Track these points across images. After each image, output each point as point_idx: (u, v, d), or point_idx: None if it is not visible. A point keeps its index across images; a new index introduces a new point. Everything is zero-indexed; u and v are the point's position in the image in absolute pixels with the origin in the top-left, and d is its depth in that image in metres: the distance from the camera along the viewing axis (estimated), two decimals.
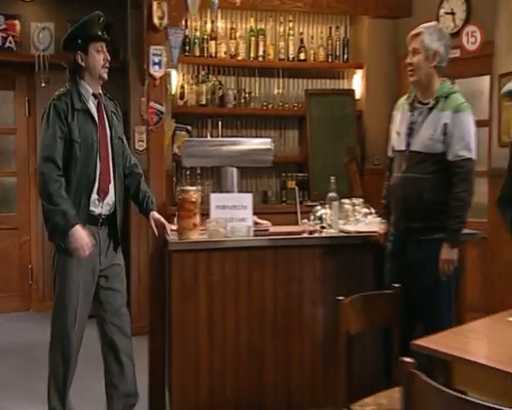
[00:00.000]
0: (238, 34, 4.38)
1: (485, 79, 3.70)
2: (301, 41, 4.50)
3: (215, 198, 2.59)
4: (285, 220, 2.97)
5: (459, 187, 2.22)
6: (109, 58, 2.25)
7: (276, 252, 2.58)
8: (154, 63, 2.50)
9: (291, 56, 4.45)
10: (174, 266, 2.44)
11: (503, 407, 1.00)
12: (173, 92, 4.20)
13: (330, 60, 4.55)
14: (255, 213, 3.88)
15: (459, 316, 2.51)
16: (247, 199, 2.61)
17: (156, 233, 2.37)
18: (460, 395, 1.06)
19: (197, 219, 2.51)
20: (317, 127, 4.48)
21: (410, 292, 2.15)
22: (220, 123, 4.45)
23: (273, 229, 2.76)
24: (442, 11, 4.12)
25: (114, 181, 2.25)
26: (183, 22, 4.27)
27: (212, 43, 4.31)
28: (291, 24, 4.48)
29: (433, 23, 2.37)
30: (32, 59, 4.35)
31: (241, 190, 4.43)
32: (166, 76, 4.00)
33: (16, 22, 4.42)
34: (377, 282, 2.52)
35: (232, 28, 4.40)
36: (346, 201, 2.88)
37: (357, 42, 4.62)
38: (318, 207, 2.90)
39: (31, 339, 3.88)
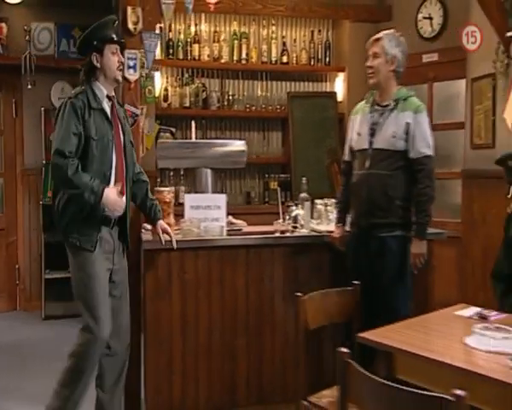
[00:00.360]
0: (221, 37, 4.46)
1: (462, 83, 3.78)
2: (284, 44, 4.58)
3: (189, 199, 2.65)
4: (268, 221, 3.03)
5: (423, 183, 2.32)
6: (123, 60, 2.32)
7: (249, 251, 2.65)
8: (129, 67, 2.57)
9: (274, 59, 4.53)
10: (148, 264, 2.51)
11: (415, 390, 1.07)
12: (157, 95, 4.29)
13: (312, 63, 4.62)
14: (237, 214, 3.95)
15: (430, 312, 2.58)
16: (221, 200, 2.68)
17: (163, 242, 2.44)
18: (384, 381, 1.13)
19: (171, 218, 2.59)
20: (299, 129, 4.56)
21: (371, 288, 2.23)
22: (204, 125, 4.53)
23: (247, 229, 2.83)
24: (420, 16, 4.21)
25: (126, 183, 2.31)
26: (168, 26, 4.37)
27: (196, 46, 4.38)
28: (274, 27, 4.56)
29: (392, 31, 2.48)
30: (19, 61, 4.41)
31: (222, 191, 4.57)
32: (149, 78, 4.11)
33: (3, 25, 4.48)
34: (348, 279, 2.59)
35: (215, 32, 4.47)
36: (319, 201, 2.96)
37: (339, 45, 4.70)
38: (293, 208, 2.97)
39: (18, 338, 3.94)
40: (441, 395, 1.05)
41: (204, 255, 2.57)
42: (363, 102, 2.54)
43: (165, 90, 4.40)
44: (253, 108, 4.56)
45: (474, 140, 3.43)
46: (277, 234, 2.73)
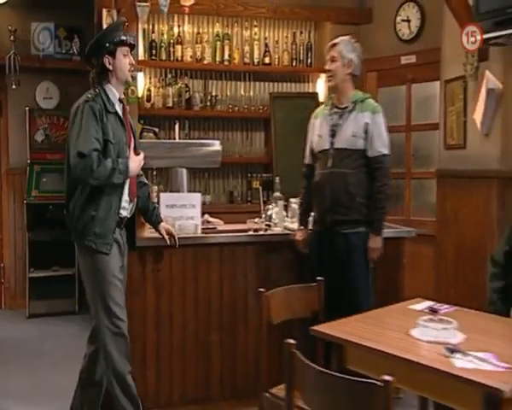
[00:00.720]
0: (204, 39, 4.51)
1: (438, 84, 3.85)
2: (266, 46, 4.64)
3: (164, 198, 2.71)
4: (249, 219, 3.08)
5: (381, 181, 2.42)
6: (134, 62, 2.35)
7: (222, 249, 2.71)
8: None
9: (256, 60, 4.59)
10: None
11: (348, 377, 1.13)
12: (140, 95, 4.33)
13: (294, 64, 4.69)
14: (220, 213, 4.01)
15: None
16: (196, 198, 2.73)
17: (168, 242, 2.50)
18: (322, 369, 1.20)
19: None
20: (281, 129, 4.62)
21: (335, 284, 2.30)
22: (187, 125, 4.59)
23: (222, 227, 2.89)
24: (399, 18, 4.29)
25: (137, 184, 2.36)
26: (151, 27, 4.43)
27: (179, 47, 4.44)
28: (256, 29, 4.62)
29: (348, 37, 2.60)
30: (3, 61, 4.44)
31: (205, 191, 4.62)
32: (133, 79, 4.14)
33: None
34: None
35: (198, 33, 4.53)
36: (293, 200, 3.02)
37: (321, 47, 4.76)
38: (270, 207, 3.04)
39: (2, 336, 3.97)
40: (371, 381, 1.11)
41: (178, 253, 2.63)
42: (323, 106, 2.64)
43: (148, 90, 4.45)
44: (236, 108, 4.62)
45: (448, 140, 3.50)
46: (251, 232, 2.79)
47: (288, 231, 2.82)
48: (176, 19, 4.49)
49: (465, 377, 1.22)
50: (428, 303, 1.81)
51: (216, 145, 2.93)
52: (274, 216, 2.90)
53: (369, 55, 4.53)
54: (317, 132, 2.57)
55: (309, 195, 2.61)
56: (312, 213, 2.64)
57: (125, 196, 2.27)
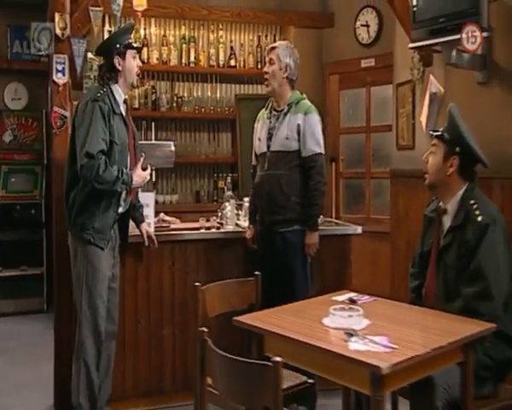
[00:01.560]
0: (170, 41, 4.60)
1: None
2: (231, 48, 4.74)
3: None
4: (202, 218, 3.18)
5: (315, 179, 2.52)
6: (141, 65, 2.44)
7: (174, 247, 2.80)
8: (58, 71, 2.70)
9: (221, 63, 4.69)
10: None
11: (246, 360, 1.24)
12: None
13: (260, 66, 4.79)
14: (187, 212, 4.09)
15: None
16: (150, 198, 2.82)
17: (146, 243, 2.60)
18: (226, 354, 1.31)
19: None
20: (246, 130, 4.71)
21: (275, 279, 2.41)
22: (154, 126, 4.67)
23: (175, 226, 2.98)
24: (358, 23, 4.43)
25: None
26: (117, 28, 4.49)
27: (145, 49, 4.51)
28: (221, 32, 4.72)
29: (287, 42, 2.72)
30: None
31: (172, 191, 4.70)
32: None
33: None
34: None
35: (164, 35, 4.61)
36: (246, 199, 3.12)
37: None
38: (226, 205, 3.14)
39: None
40: (262, 362, 1.22)
41: (131, 251, 2.71)
42: (264, 109, 2.74)
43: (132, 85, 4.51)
44: (203, 109, 4.71)
45: (399, 141, 3.65)
46: (202, 230, 2.89)
47: (240, 229, 2.92)
48: (142, 21, 4.56)
49: (354, 357, 1.33)
50: (350, 294, 1.93)
51: (170, 146, 3.02)
52: (227, 214, 3.00)
53: (331, 58, 4.68)
54: (258, 136, 2.68)
55: None
56: None
57: (123, 195, 2.37)
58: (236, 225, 3.00)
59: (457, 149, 1.96)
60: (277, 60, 2.56)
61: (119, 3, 2.80)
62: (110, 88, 2.33)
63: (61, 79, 2.72)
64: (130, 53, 2.36)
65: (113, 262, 2.43)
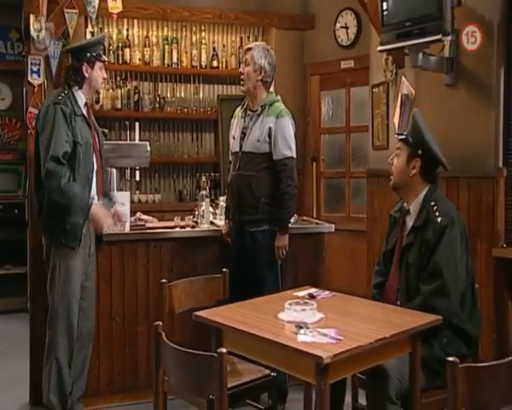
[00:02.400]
0: (152, 42, 4.64)
1: None
2: (214, 49, 4.79)
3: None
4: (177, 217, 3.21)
5: (285, 182, 2.57)
6: (106, 77, 2.57)
7: (149, 245, 2.85)
8: (33, 72, 2.74)
9: (204, 64, 4.74)
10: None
11: (192, 351, 1.30)
12: None
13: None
14: (169, 211, 4.12)
15: None
16: (125, 197, 2.87)
17: (114, 223, 2.63)
18: (175, 346, 1.36)
19: None
20: (229, 130, 4.77)
21: (245, 276, 2.46)
22: (138, 126, 4.71)
23: (151, 224, 3.03)
24: (338, 25, 4.49)
25: (102, 181, 2.51)
26: (99, 30, 4.53)
27: (127, 50, 4.55)
28: (203, 33, 4.77)
29: (263, 43, 2.73)
30: None
31: (156, 190, 4.74)
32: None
33: None
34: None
35: (147, 36, 4.65)
36: (221, 198, 3.18)
37: None
38: (202, 203, 3.19)
39: None
40: (208, 354, 1.28)
41: (105, 249, 2.76)
42: (240, 107, 2.77)
43: (97, 92, 4.55)
44: (186, 109, 4.76)
45: (375, 142, 3.71)
46: (177, 229, 2.94)
47: (214, 228, 2.98)
48: (125, 22, 4.61)
49: (300, 348, 1.39)
50: (311, 290, 1.99)
51: (145, 146, 3.07)
52: (201, 213, 3.06)
53: (312, 59, 4.75)
54: (232, 133, 2.73)
55: None
56: None
57: (93, 193, 2.42)
58: (212, 223, 3.06)
59: (419, 151, 2.04)
60: (252, 61, 2.58)
61: (94, 6, 2.85)
62: (72, 92, 2.41)
63: (36, 79, 2.76)
64: (98, 64, 2.46)
65: (86, 260, 2.47)
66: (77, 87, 2.41)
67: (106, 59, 2.52)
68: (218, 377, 1.25)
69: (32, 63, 2.74)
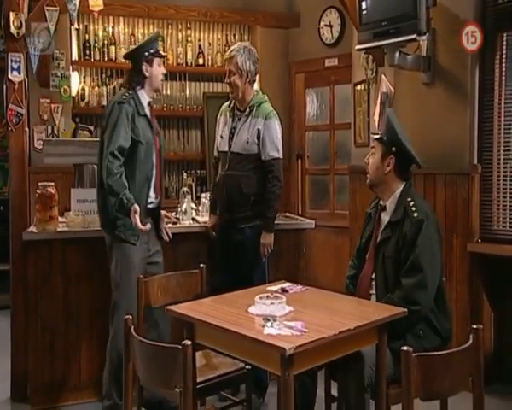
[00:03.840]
0: (138, 40, 4.64)
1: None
2: (199, 47, 4.81)
3: (75, 193, 2.86)
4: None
5: (272, 182, 2.61)
6: (165, 72, 2.58)
7: None
8: (13, 69, 2.75)
9: (190, 61, 4.76)
10: (29, 255, 2.71)
11: (158, 343, 1.33)
12: (74, 94, 4.45)
13: None
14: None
15: None
16: None
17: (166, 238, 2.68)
18: (141, 339, 1.39)
19: (54, 212, 2.78)
20: (214, 128, 4.79)
21: (232, 269, 2.54)
22: None
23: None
24: (322, 23, 4.53)
25: (161, 180, 2.59)
26: (84, 28, 4.53)
27: (113, 47, 4.56)
28: (189, 31, 4.78)
29: (243, 45, 2.72)
30: None
31: None
32: (65, 78, 4.25)
33: None
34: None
35: (132, 34, 4.66)
36: (203, 195, 3.21)
37: None
38: (184, 200, 3.21)
39: None
40: (173, 346, 1.31)
41: (87, 245, 2.78)
42: (227, 104, 2.79)
43: (83, 89, 4.56)
44: (172, 107, 4.78)
45: (357, 139, 3.76)
46: None
47: (196, 224, 3.00)
48: (110, 20, 4.61)
49: (264, 340, 1.43)
50: (284, 284, 2.03)
51: None
52: (183, 210, 3.08)
53: (297, 57, 4.78)
54: (220, 132, 2.75)
55: None
56: None
57: (152, 192, 2.50)
58: (194, 220, 3.09)
59: (393, 149, 2.08)
60: (237, 70, 2.59)
61: (75, 3, 2.86)
62: (136, 92, 2.48)
63: (16, 77, 2.77)
64: (157, 61, 2.51)
65: (148, 254, 2.53)
66: (139, 87, 2.47)
67: (164, 54, 2.55)
68: (183, 369, 1.28)
69: (12, 60, 2.74)
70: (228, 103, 2.78)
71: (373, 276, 2.08)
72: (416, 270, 1.93)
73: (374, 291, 2.06)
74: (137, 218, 2.34)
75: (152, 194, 2.52)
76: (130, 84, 2.48)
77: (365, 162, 2.22)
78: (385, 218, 2.14)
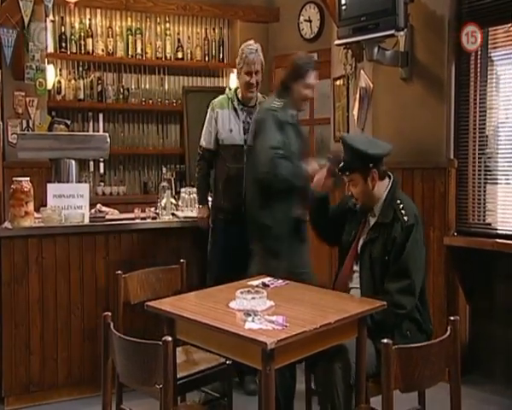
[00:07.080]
0: (116, 32, 4.57)
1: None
2: (179, 41, 4.76)
3: (52, 188, 2.80)
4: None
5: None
6: (312, 96, 2.63)
7: (108, 237, 2.83)
8: None
9: (168, 55, 4.70)
10: (3, 251, 2.63)
11: (137, 340, 1.31)
12: (50, 87, 4.34)
13: (207, 59, 4.84)
14: (134, 203, 4.07)
15: None
16: (84, 189, 2.83)
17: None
18: (121, 335, 1.37)
19: (29, 207, 2.71)
20: (194, 122, 4.75)
21: (239, 265, 2.52)
22: (101, 117, 4.64)
23: (111, 216, 3.01)
24: (302, 18, 4.53)
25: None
26: (60, 19, 4.42)
27: (90, 40, 4.47)
28: (168, 24, 4.72)
29: (256, 43, 2.75)
30: None
31: (121, 182, 4.69)
32: (40, 71, 4.15)
33: None
34: (204, 258, 2.85)
35: (110, 27, 4.57)
36: (183, 190, 3.19)
37: (233, 43, 4.94)
38: (164, 195, 3.18)
39: None
40: (153, 342, 1.29)
41: (63, 241, 2.73)
42: (226, 97, 2.76)
43: (59, 82, 4.46)
44: (150, 101, 4.72)
45: (336, 134, 3.78)
46: (137, 220, 2.93)
47: (176, 219, 2.98)
48: (87, 12, 4.51)
49: (246, 335, 1.42)
50: (265, 279, 2.03)
51: (105, 138, 3.03)
52: (164, 205, 3.05)
53: (277, 52, 4.77)
54: (227, 126, 2.70)
55: (209, 177, 2.83)
56: (210, 199, 2.83)
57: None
58: (173, 215, 3.06)
59: (371, 165, 2.02)
60: (261, 69, 2.68)
61: None
62: (284, 101, 2.48)
63: None
64: (301, 82, 2.49)
65: None
66: (288, 98, 2.49)
67: (311, 82, 2.53)
68: (163, 365, 1.27)
69: None
70: (227, 98, 2.75)
71: (354, 271, 2.06)
72: (404, 276, 1.92)
73: (355, 285, 2.04)
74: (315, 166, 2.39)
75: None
76: (280, 94, 2.52)
77: (347, 194, 2.17)
78: (371, 219, 2.09)
